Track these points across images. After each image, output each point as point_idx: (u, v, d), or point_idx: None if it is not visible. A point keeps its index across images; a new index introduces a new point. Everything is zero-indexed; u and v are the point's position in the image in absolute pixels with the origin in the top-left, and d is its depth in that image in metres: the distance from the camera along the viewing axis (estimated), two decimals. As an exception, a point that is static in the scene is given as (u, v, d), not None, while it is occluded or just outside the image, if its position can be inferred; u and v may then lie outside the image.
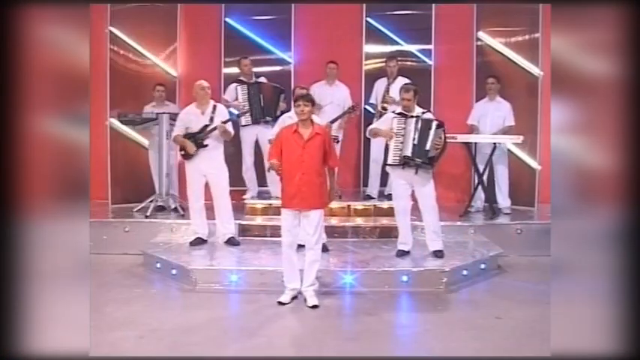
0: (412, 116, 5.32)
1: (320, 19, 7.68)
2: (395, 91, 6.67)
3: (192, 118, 5.87)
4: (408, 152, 5.26)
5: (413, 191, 5.48)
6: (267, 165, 5.14)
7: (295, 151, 4.57)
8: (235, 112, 6.63)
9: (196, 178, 5.90)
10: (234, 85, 6.84)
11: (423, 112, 5.43)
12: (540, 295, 4.87)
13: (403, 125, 5.33)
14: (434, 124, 5.23)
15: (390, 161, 5.40)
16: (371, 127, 5.68)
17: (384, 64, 7.15)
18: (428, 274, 5.16)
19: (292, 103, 4.91)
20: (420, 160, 5.23)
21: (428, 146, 5.19)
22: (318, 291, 4.75)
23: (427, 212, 5.47)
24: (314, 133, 4.59)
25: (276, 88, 6.80)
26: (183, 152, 5.93)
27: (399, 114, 5.42)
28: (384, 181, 7.00)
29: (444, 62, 7.60)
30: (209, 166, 5.84)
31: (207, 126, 5.81)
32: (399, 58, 7.08)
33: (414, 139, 5.24)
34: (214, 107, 5.90)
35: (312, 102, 4.67)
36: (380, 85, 6.95)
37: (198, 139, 5.81)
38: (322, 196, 4.67)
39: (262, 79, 6.90)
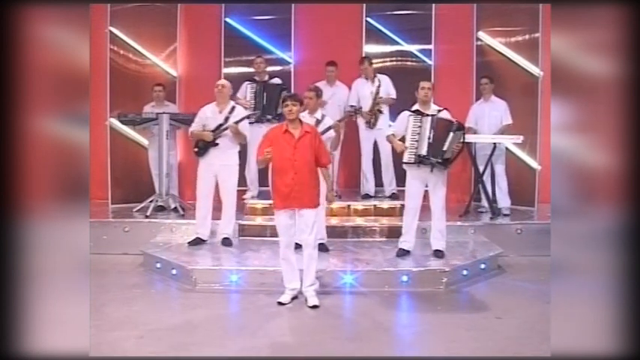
0: (428, 115, 5.32)
1: (320, 19, 7.68)
2: (382, 91, 6.76)
3: (208, 115, 5.87)
4: (424, 151, 5.26)
5: (425, 191, 5.49)
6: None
7: (287, 151, 4.58)
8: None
9: (207, 176, 5.88)
10: (246, 83, 6.87)
11: (439, 111, 5.42)
12: (540, 295, 4.87)
13: (419, 124, 5.32)
14: (454, 126, 5.22)
15: (405, 159, 5.39)
16: (389, 133, 5.67)
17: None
18: (428, 274, 5.16)
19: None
20: (436, 159, 5.23)
21: (445, 147, 5.18)
22: (318, 291, 4.75)
23: (437, 212, 5.46)
24: (304, 132, 4.61)
25: (277, 86, 6.81)
26: (196, 148, 5.91)
27: (414, 111, 5.41)
28: (378, 181, 7.02)
29: (444, 62, 7.59)
30: (221, 164, 5.82)
31: (220, 125, 5.81)
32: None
33: (429, 138, 5.24)
34: (232, 108, 5.88)
35: (301, 102, 4.71)
36: (360, 86, 6.90)
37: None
38: (315, 195, 4.68)
39: (276, 80, 6.92)
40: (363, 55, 7.55)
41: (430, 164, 5.27)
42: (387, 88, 6.84)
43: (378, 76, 6.86)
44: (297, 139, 4.58)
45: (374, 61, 7.63)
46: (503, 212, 6.84)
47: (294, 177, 4.56)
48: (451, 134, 5.19)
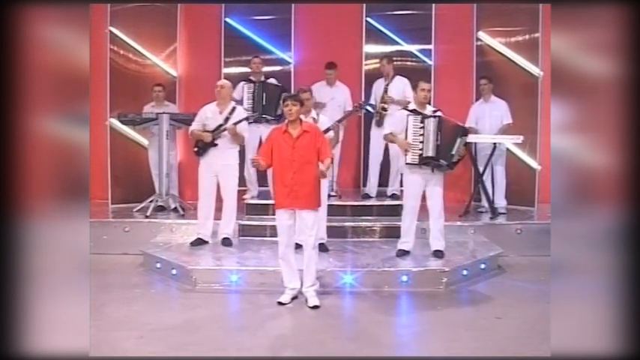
0: (429, 115, 5.31)
1: (320, 19, 7.68)
2: (393, 91, 6.70)
3: (209, 115, 5.86)
4: (431, 153, 5.24)
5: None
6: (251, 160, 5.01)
7: (285, 151, 4.58)
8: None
9: (207, 176, 5.88)
10: (243, 83, 6.85)
11: (435, 111, 5.42)
12: (540, 295, 4.87)
13: (421, 124, 5.30)
14: (461, 131, 5.26)
15: (408, 160, 5.35)
16: (386, 132, 5.63)
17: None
18: (428, 274, 5.16)
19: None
20: (445, 162, 5.24)
21: (454, 151, 5.20)
22: (318, 291, 4.75)
23: (435, 213, 5.45)
24: (302, 132, 4.61)
25: (277, 87, 6.81)
26: (196, 148, 5.91)
27: (412, 111, 5.39)
28: (383, 181, 7.01)
29: (444, 62, 7.59)
30: (222, 164, 5.82)
31: (220, 125, 5.80)
32: (395, 58, 7.11)
33: (437, 140, 5.23)
34: (233, 109, 5.88)
35: (301, 102, 4.70)
36: (378, 86, 6.96)
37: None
38: (315, 196, 4.67)
39: (272, 80, 6.91)
40: (364, 54, 7.57)
41: (437, 166, 5.27)
42: (404, 89, 6.77)
43: (397, 77, 6.80)
44: (295, 139, 4.58)
45: (373, 61, 7.62)
46: (499, 211, 6.83)
47: (292, 177, 4.57)
48: (459, 139, 5.22)
